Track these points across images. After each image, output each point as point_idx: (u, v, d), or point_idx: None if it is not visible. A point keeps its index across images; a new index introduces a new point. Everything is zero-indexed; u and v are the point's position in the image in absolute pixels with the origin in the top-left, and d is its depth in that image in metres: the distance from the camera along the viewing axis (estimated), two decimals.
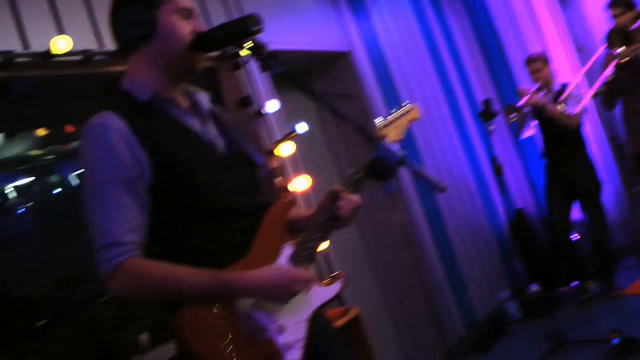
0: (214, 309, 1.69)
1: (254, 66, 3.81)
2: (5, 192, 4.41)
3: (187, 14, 1.85)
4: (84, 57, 2.92)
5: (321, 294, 1.88)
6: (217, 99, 3.81)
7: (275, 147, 3.76)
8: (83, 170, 1.74)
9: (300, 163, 3.93)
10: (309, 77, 4.97)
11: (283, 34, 4.20)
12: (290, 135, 3.74)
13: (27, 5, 2.81)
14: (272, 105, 3.76)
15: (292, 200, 1.99)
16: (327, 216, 1.90)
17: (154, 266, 1.69)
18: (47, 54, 2.78)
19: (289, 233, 1.92)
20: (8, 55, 2.64)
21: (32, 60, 2.77)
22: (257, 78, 3.87)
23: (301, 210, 2.20)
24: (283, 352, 1.73)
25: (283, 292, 1.75)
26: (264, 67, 1.77)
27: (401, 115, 2.18)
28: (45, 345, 4.39)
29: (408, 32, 5.72)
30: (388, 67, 5.29)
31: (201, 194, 1.77)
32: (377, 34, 5.32)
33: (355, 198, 1.93)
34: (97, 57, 2.99)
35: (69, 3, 2.99)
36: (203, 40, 1.84)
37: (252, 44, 1.77)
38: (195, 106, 1.95)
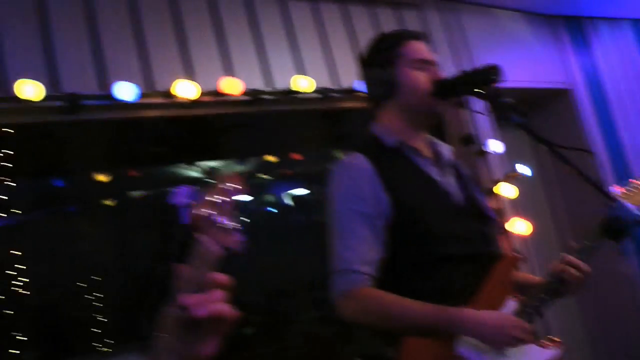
0: (433, 344, 1.73)
1: (478, 105, 3.72)
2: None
3: (423, 64, 1.96)
4: (321, 94, 3.13)
5: (538, 354, 1.83)
6: (440, 134, 3.77)
7: (495, 186, 3.65)
8: (329, 202, 1.89)
9: (519, 206, 3.77)
10: (525, 115, 4.72)
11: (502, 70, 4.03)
12: (512, 175, 3.61)
13: (271, 48, 3.11)
14: (494, 145, 3.65)
15: (522, 257, 1.95)
16: (554, 279, 1.88)
17: (383, 295, 1.78)
18: (288, 92, 3.04)
19: (514, 289, 1.90)
20: (255, 92, 2.94)
21: (275, 97, 3.02)
22: (481, 116, 3.79)
23: (529, 275, 2.18)
24: None
25: (502, 336, 1.73)
26: (501, 118, 1.81)
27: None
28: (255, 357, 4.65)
29: (633, 68, 5.25)
30: (609, 107, 4.89)
31: (434, 238, 1.83)
32: (600, 70, 4.94)
33: (585, 266, 1.86)
34: (332, 94, 3.17)
35: (308, 46, 3.24)
36: (444, 88, 1.93)
37: (489, 92, 1.84)
38: (437, 157, 2.03)
